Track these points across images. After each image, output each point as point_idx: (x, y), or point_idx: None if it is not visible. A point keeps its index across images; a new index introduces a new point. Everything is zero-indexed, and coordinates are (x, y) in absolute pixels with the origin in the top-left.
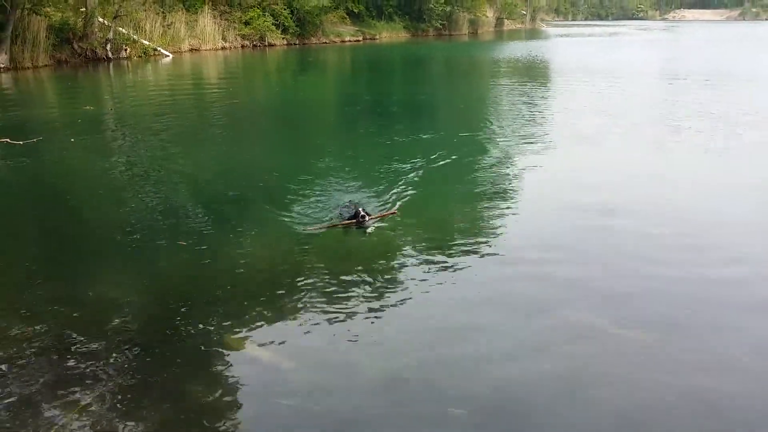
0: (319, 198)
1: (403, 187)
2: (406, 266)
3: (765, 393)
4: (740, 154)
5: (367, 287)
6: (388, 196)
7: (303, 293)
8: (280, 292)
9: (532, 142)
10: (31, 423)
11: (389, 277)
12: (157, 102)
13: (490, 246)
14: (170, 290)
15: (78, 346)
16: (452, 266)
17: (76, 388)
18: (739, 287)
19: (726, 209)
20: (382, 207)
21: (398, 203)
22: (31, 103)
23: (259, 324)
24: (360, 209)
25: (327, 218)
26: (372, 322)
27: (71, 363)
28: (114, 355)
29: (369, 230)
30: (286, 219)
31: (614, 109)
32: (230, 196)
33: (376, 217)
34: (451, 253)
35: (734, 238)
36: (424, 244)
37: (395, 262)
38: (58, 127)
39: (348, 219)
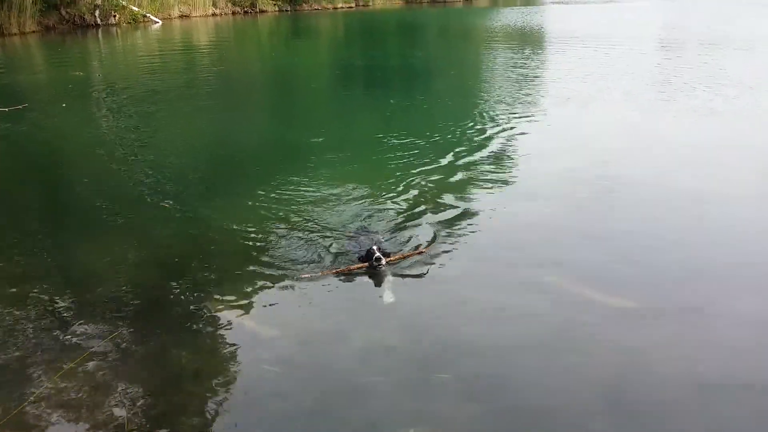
0: (310, 166)
1: (403, 166)
2: (393, 223)
3: (747, 360)
4: (734, 117)
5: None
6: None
7: (290, 261)
8: (266, 259)
9: (527, 105)
10: (16, 386)
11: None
12: (147, 68)
13: (477, 214)
14: (156, 255)
15: (63, 311)
16: (437, 231)
17: (61, 353)
18: (730, 254)
19: (719, 174)
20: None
21: (425, 242)
22: (18, 70)
23: (244, 290)
24: (374, 248)
25: (327, 253)
26: (358, 292)
27: (56, 328)
28: (99, 320)
29: (386, 277)
30: (275, 186)
31: (607, 74)
32: (219, 162)
33: (397, 259)
34: (438, 219)
35: (727, 205)
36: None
37: (381, 223)
38: (46, 94)
39: (359, 262)
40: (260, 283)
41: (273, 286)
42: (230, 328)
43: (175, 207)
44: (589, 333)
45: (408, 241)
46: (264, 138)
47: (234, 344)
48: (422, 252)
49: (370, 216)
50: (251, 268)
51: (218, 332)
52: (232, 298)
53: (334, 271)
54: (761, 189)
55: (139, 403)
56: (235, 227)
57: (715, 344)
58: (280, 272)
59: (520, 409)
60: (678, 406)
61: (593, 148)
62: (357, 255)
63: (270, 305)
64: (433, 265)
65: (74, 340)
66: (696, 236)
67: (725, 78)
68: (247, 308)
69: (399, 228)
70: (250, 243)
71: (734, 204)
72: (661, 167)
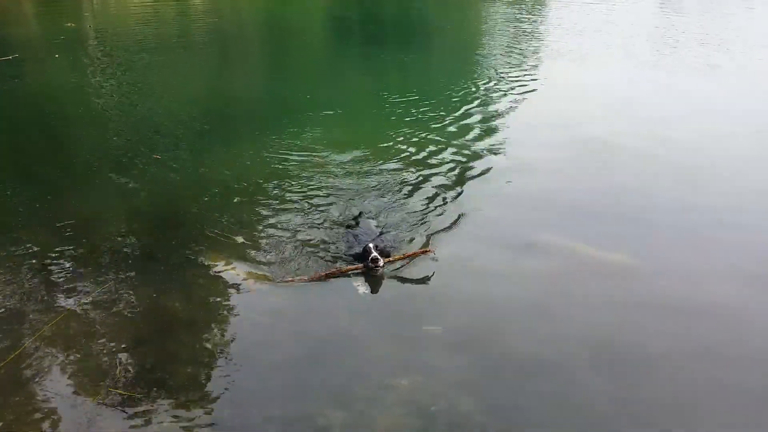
0: (304, 122)
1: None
2: (386, 183)
3: (737, 317)
4: (735, 72)
5: (344, 209)
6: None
7: (281, 212)
8: (258, 209)
9: (525, 60)
10: (8, 335)
11: (367, 194)
12: (140, 18)
13: (471, 169)
14: (148, 206)
15: (55, 260)
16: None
17: (57, 300)
18: (722, 212)
19: (716, 129)
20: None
21: (430, 241)
22: (8, 23)
23: (235, 240)
24: (371, 245)
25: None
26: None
27: (49, 277)
28: (91, 269)
29: (383, 280)
30: (268, 141)
31: (610, 30)
32: (212, 115)
33: (398, 260)
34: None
35: (723, 160)
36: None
37: (373, 178)
38: (38, 45)
39: (353, 261)
40: (253, 235)
41: (265, 239)
42: (222, 280)
43: (168, 159)
44: (580, 288)
45: (409, 226)
46: (257, 92)
47: (226, 295)
48: (428, 252)
49: (365, 188)
50: (244, 220)
51: (210, 283)
52: (224, 250)
53: (323, 274)
54: (757, 145)
55: (131, 350)
56: (228, 181)
57: (706, 301)
58: (272, 228)
59: (509, 358)
60: (665, 361)
61: (591, 103)
62: (352, 252)
63: (262, 259)
64: (416, 210)
65: (67, 289)
66: (691, 193)
67: (728, 36)
68: (239, 260)
69: (398, 205)
70: (243, 197)
71: (730, 159)
72: (656, 121)
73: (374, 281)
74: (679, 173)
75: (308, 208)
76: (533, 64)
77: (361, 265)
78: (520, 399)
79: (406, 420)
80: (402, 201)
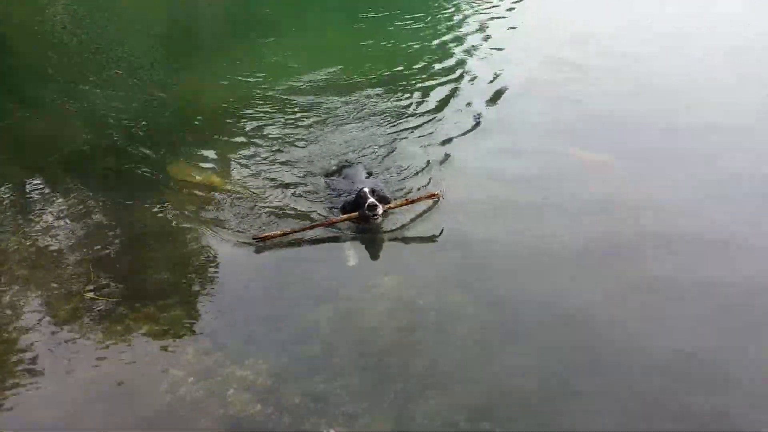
0: (274, 42)
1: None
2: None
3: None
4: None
5: (321, 123)
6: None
7: (248, 127)
8: (223, 132)
9: None
10: None
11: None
12: None
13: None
14: (111, 122)
15: (22, 175)
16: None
17: (23, 215)
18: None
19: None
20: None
21: (441, 184)
22: None
23: (201, 153)
24: (366, 190)
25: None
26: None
27: (17, 192)
28: (60, 183)
29: (382, 235)
30: (236, 60)
31: None
32: (174, 32)
33: (400, 205)
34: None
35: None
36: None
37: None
38: None
39: (345, 210)
40: (220, 150)
41: (234, 153)
42: (192, 191)
43: (128, 75)
44: (568, 188)
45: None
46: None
47: (196, 205)
48: (435, 195)
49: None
50: (206, 129)
51: (180, 196)
52: (193, 163)
53: (309, 227)
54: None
55: (104, 260)
56: (191, 98)
57: (677, 192)
58: (238, 135)
59: (497, 255)
60: (643, 253)
61: (575, 24)
62: (342, 201)
63: (234, 170)
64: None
65: (35, 202)
66: (668, 101)
67: None
68: (204, 166)
69: (387, 142)
70: (210, 115)
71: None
72: (639, 40)
73: (370, 241)
74: (661, 85)
75: (282, 139)
76: None
77: (355, 213)
78: (510, 292)
79: (394, 313)
80: (391, 136)
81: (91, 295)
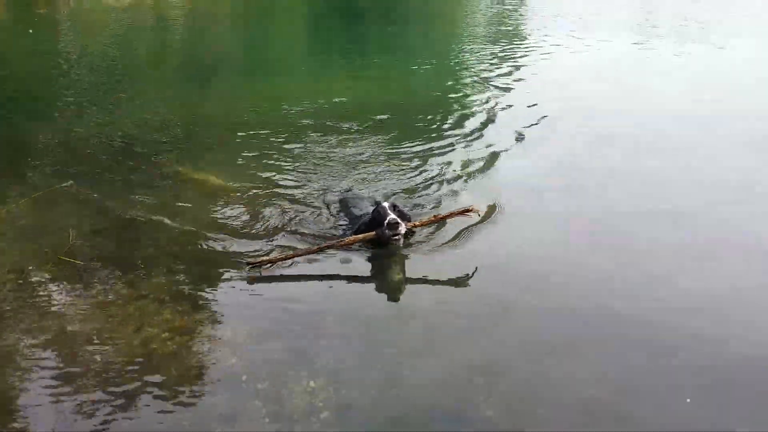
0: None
1: None
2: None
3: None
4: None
5: (336, 134)
6: None
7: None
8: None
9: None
10: None
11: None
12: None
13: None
14: (117, 134)
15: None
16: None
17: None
18: None
19: None
20: None
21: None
22: None
23: (208, 156)
24: (386, 205)
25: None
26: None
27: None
28: (61, 168)
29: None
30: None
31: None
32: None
33: (426, 223)
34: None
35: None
36: None
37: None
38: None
39: (361, 230)
40: (224, 150)
41: (238, 155)
42: (197, 187)
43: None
44: None
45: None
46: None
47: (199, 200)
48: (471, 211)
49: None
50: (217, 138)
51: (183, 192)
52: (200, 167)
53: (316, 249)
54: None
55: (88, 237)
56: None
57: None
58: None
59: None
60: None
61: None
62: (360, 221)
63: (235, 167)
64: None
65: (36, 187)
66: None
67: None
68: (211, 169)
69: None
70: (211, 135)
71: None
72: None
73: (391, 269)
74: None
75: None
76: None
77: (372, 233)
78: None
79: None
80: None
81: (68, 258)
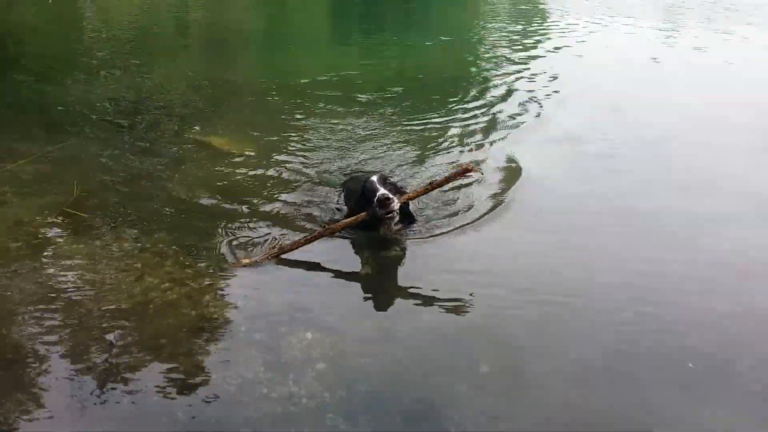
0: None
1: None
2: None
3: None
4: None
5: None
6: None
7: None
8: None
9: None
10: None
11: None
12: None
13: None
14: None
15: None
16: None
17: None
18: None
19: None
20: None
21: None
22: None
23: (220, 122)
24: (374, 179)
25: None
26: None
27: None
28: (65, 126)
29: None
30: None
31: None
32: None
33: (423, 192)
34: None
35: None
36: None
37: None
38: None
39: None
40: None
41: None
42: (209, 154)
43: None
44: None
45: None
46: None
47: (215, 165)
48: (470, 170)
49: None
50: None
51: (194, 156)
52: (211, 129)
53: (304, 240)
54: None
55: (92, 192)
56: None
57: None
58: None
59: None
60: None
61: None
62: (347, 199)
63: (249, 137)
64: None
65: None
66: None
67: None
68: (225, 135)
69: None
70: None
71: None
72: None
73: (387, 245)
74: None
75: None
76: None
77: (363, 214)
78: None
79: None
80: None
81: (70, 210)
